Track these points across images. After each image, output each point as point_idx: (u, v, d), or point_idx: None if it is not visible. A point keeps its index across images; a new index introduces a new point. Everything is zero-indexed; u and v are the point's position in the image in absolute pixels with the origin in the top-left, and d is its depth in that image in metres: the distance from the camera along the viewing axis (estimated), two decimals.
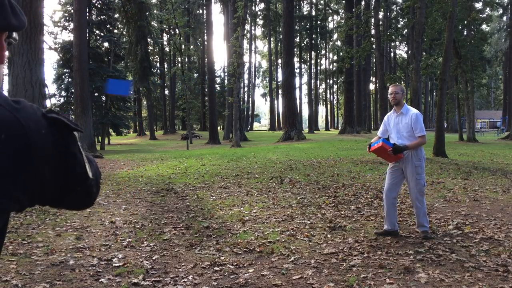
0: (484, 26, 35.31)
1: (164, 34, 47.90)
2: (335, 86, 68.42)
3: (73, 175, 0.84)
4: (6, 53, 0.87)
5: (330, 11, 57.76)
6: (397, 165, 4.57)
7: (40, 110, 0.81)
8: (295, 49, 49.55)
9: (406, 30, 43.54)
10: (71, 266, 3.67)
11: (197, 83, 49.28)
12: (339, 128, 50.43)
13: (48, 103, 31.15)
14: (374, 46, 14.79)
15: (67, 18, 29.88)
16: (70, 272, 3.53)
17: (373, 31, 15.86)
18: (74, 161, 0.83)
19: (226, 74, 50.06)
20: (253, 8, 50.86)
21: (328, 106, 70.37)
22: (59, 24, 31.29)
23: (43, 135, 0.78)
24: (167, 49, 49.31)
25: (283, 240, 4.43)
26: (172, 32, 44.06)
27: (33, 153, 0.77)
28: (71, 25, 27.19)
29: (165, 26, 42.90)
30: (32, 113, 0.79)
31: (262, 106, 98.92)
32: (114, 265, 3.71)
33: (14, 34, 0.87)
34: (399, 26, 45.69)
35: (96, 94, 28.27)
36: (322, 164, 11.41)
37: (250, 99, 59.59)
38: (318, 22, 56.26)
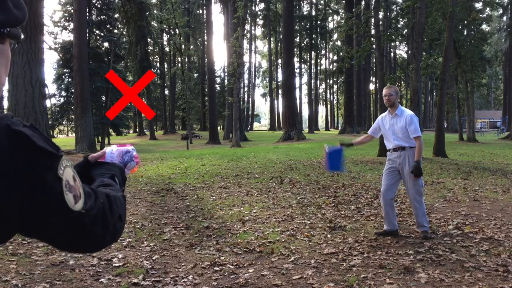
0: (484, 26, 35.30)
1: (164, 34, 47.90)
2: (335, 86, 68.43)
3: (42, 203, 0.70)
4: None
5: (330, 11, 57.75)
6: (393, 166, 4.57)
7: (6, 120, 0.69)
8: (295, 49, 49.56)
9: (406, 30, 43.52)
10: (71, 266, 3.67)
11: (197, 83, 49.29)
12: (339, 128, 50.47)
13: (48, 103, 31.16)
14: (374, 46, 14.79)
15: (67, 18, 29.88)
16: (70, 272, 3.53)
17: (373, 31, 15.85)
18: (42, 187, 0.69)
19: (226, 74, 50.05)
20: (253, 8, 50.90)
21: (328, 106, 70.38)
22: (59, 24, 31.31)
23: None
24: (167, 49, 49.34)
25: (283, 240, 4.43)
26: (172, 32, 44.05)
27: None
28: (71, 25, 27.18)
29: (165, 26, 42.89)
30: None
31: (262, 106, 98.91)
32: (114, 265, 3.71)
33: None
34: (399, 26, 45.67)
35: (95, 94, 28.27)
36: (322, 164, 11.41)
37: (250, 99, 59.59)
38: (318, 22, 56.28)
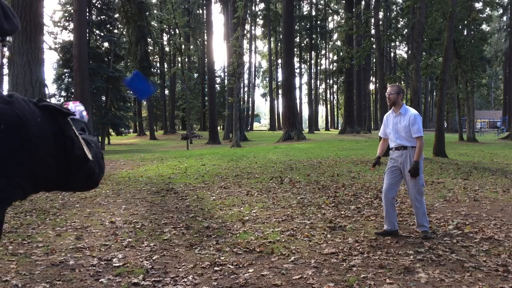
0: (484, 26, 35.29)
1: (164, 34, 47.91)
2: (335, 86, 68.43)
3: (72, 157, 0.88)
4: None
5: (330, 11, 57.76)
6: (395, 166, 4.56)
7: (31, 101, 0.85)
8: (295, 49, 49.57)
9: (406, 30, 43.52)
10: (71, 266, 3.67)
11: (197, 83, 49.28)
12: (339, 128, 50.46)
13: None
14: (374, 46, 14.79)
15: (67, 18, 29.89)
16: (70, 272, 3.53)
17: (373, 31, 15.85)
18: (72, 144, 0.87)
19: (226, 74, 50.06)
20: (253, 8, 50.89)
21: (328, 106, 70.39)
22: (59, 24, 31.31)
23: (39, 123, 0.82)
24: (167, 49, 49.35)
25: (283, 240, 4.43)
26: (172, 32, 44.07)
27: (33, 140, 0.80)
28: (71, 25, 27.19)
29: (165, 26, 42.92)
30: (25, 104, 0.83)
31: (262, 106, 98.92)
32: (114, 265, 3.71)
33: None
34: (399, 26, 45.68)
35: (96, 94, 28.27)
36: (322, 164, 11.42)
37: (250, 99, 59.59)
38: (318, 22, 56.28)
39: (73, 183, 0.93)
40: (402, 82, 54.16)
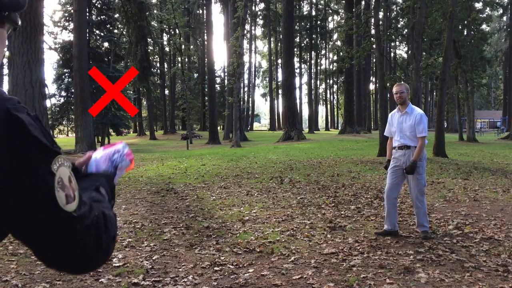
0: (484, 26, 35.28)
1: (164, 34, 47.90)
2: (335, 86, 68.43)
3: (31, 194, 0.66)
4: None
5: (330, 11, 57.77)
6: (398, 165, 4.56)
7: (8, 104, 0.67)
8: (295, 49, 49.56)
9: (406, 30, 43.52)
10: None
11: (197, 83, 49.28)
12: (339, 128, 50.45)
13: (48, 103, 31.17)
14: (374, 46, 14.79)
15: (67, 18, 29.90)
16: None
17: (373, 31, 15.85)
18: (33, 177, 0.65)
19: (226, 74, 50.05)
20: (253, 8, 50.88)
21: (328, 106, 70.39)
22: (59, 24, 31.33)
23: None
24: (167, 49, 49.33)
25: (283, 240, 4.43)
26: (172, 32, 44.06)
27: None
28: (71, 25, 27.18)
29: (165, 26, 42.90)
30: None
31: (262, 106, 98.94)
32: (114, 265, 3.71)
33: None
34: (399, 26, 45.67)
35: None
36: (322, 164, 11.41)
37: (250, 99, 59.59)
38: (318, 22, 56.28)
39: (39, 237, 0.69)
40: (402, 82, 54.01)
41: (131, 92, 37.79)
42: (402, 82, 4.80)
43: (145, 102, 49.75)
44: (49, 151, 0.68)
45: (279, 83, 52.36)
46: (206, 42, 40.37)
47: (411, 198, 4.71)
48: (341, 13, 53.46)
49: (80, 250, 0.73)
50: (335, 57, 57.85)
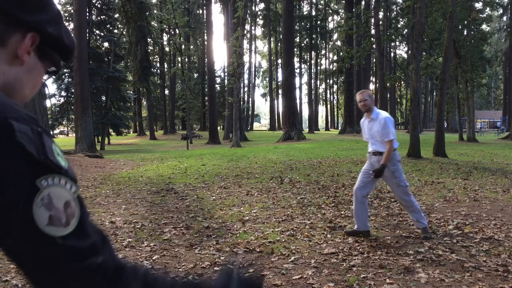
0: (484, 26, 35.32)
1: (164, 34, 47.91)
2: (335, 86, 68.46)
3: (6, 205, 0.58)
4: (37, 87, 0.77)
5: (330, 11, 57.79)
6: (371, 170, 4.54)
7: (7, 112, 0.60)
8: (295, 49, 49.57)
9: (406, 30, 43.53)
10: None
11: (197, 83, 49.29)
12: (339, 128, 50.47)
13: (48, 103, 31.19)
14: (374, 46, 14.79)
15: (67, 18, 29.87)
16: None
17: (373, 31, 15.86)
18: (13, 188, 0.58)
19: (226, 74, 50.07)
20: (253, 8, 50.90)
21: (328, 106, 70.42)
22: None
23: None
24: (167, 49, 49.34)
25: (283, 240, 4.43)
26: (172, 32, 44.07)
27: None
28: (71, 25, 27.17)
29: (165, 26, 42.91)
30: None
31: (262, 106, 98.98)
32: None
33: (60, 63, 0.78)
34: (399, 26, 45.68)
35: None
36: (322, 164, 11.42)
37: (250, 99, 59.61)
38: (318, 22, 56.30)
39: (18, 256, 0.61)
40: (402, 82, 54.14)
41: (131, 92, 37.82)
42: (365, 90, 4.77)
43: (145, 102, 49.77)
44: (39, 165, 0.60)
45: (279, 83, 52.37)
46: (206, 42, 40.37)
47: (398, 201, 4.69)
48: (341, 13, 53.49)
49: (68, 274, 0.61)
50: (335, 57, 57.89)
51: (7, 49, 0.69)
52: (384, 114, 4.54)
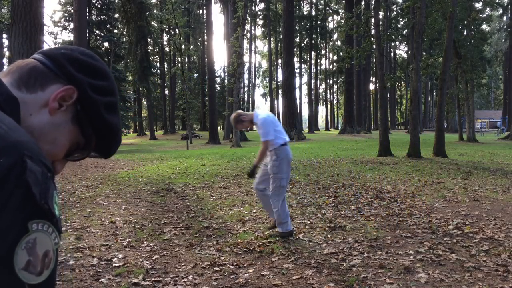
0: (484, 26, 35.31)
1: (164, 34, 47.89)
2: (335, 86, 68.46)
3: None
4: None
5: (330, 11, 57.78)
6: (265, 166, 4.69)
7: (25, 150, 0.59)
8: (295, 49, 49.58)
9: (406, 30, 43.53)
10: (71, 266, 3.67)
11: (197, 83, 49.27)
12: (339, 128, 50.47)
13: None
14: (374, 46, 14.79)
15: (67, 18, 29.93)
16: (70, 272, 3.53)
17: (373, 31, 15.85)
18: (3, 221, 0.55)
19: (226, 74, 50.08)
20: (253, 8, 50.89)
21: (328, 106, 70.41)
22: (59, 24, 31.35)
23: None
24: (167, 49, 49.34)
25: (283, 240, 4.43)
26: (172, 32, 44.06)
27: None
28: (71, 25, 27.21)
29: (165, 26, 42.90)
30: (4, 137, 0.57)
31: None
32: (114, 265, 3.71)
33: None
34: (399, 26, 45.69)
35: None
36: (322, 164, 11.41)
37: (250, 99, 59.62)
38: (318, 22, 56.28)
39: None
40: (402, 82, 54.12)
41: (131, 92, 37.82)
42: (233, 116, 4.90)
43: (145, 102, 49.72)
44: (37, 208, 0.59)
45: (279, 83, 52.36)
46: (206, 42, 40.36)
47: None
48: (341, 13, 53.49)
49: None
50: (335, 57, 57.90)
51: (44, 94, 0.69)
52: (262, 115, 4.67)
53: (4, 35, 29.80)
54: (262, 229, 4.87)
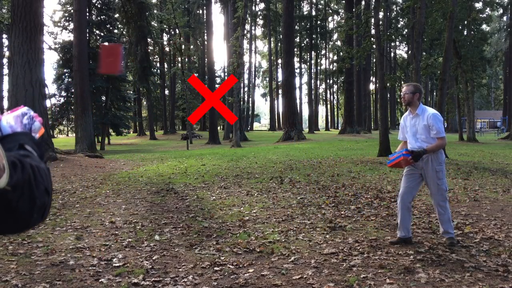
0: (484, 26, 35.32)
1: (164, 34, 47.89)
2: (335, 86, 68.45)
3: None
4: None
5: (330, 11, 57.78)
6: (415, 169, 4.24)
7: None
8: (295, 49, 49.56)
9: (406, 30, 43.54)
10: (71, 266, 3.67)
11: None
12: (339, 128, 50.46)
13: (48, 103, 31.14)
14: (374, 46, 14.78)
15: (67, 18, 29.92)
16: (70, 272, 3.53)
17: (373, 31, 15.84)
18: None
19: (226, 74, 50.05)
20: (253, 8, 50.88)
21: (328, 106, 70.40)
22: (59, 24, 31.38)
23: None
24: (167, 49, 49.34)
25: (283, 240, 4.43)
26: (172, 32, 44.06)
27: None
28: (71, 25, 27.19)
29: (165, 26, 42.90)
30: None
31: (262, 106, 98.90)
32: (114, 265, 3.71)
33: None
34: (399, 26, 45.70)
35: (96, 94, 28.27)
36: (322, 164, 11.41)
37: (250, 99, 59.59)
38: (318, 22, 56.29)
39: None
40: (402, 82, 54.00)
41: (131, 92, 37.81)
42: (413, 83, 4.42)
43: (145, 102, 49.74)
44: None
45: (279, 83, 52.36)
46: (206, 42, 40.37)
47: (433, 204, 4.38)
48: (341, 13, 53.48)
49: (17, 214, 0.70)
50: (335, 57, 57.87)
51: None
52: (431, 110, 4.23)
53: (4, 35, 29.81)
54: (262, 229, 4.88)
